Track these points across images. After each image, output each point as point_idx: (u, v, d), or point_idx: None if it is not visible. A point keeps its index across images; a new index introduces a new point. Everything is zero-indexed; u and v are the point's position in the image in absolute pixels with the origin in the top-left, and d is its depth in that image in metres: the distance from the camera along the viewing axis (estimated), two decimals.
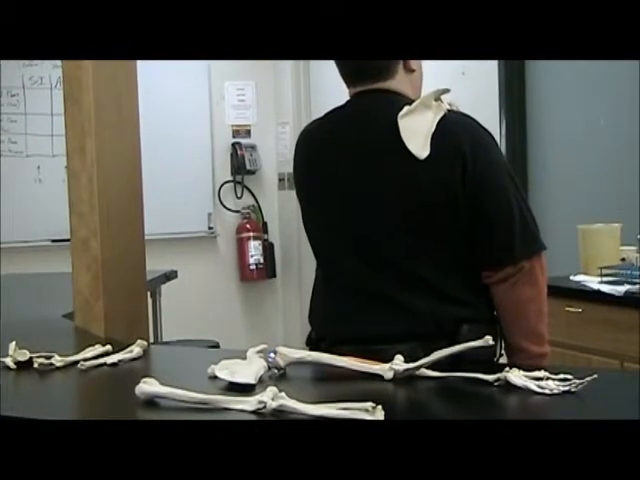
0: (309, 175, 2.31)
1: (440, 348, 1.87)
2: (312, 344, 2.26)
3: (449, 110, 2.13)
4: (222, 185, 6.99)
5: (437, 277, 2.12)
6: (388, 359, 1.86)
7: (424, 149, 2.07)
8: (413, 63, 2.22)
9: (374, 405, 1.49)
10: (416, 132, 2.08)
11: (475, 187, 2.07)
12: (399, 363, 1.84)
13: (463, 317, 2.10)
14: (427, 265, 2.12)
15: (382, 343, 2.07)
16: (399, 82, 2.20)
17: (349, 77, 2.25)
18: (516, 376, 1.73)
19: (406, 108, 2.10)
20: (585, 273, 3.82)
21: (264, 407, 1.56)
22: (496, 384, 1.75)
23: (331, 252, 2.26)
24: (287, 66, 6.90)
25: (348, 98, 2.29)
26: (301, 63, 6.87)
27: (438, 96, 2.13)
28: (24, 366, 2.05)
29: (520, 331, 2.15)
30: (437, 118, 2.09)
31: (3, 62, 6.18)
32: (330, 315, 2.26)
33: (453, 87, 2.26)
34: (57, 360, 2.06)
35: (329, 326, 2.25)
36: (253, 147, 7.06)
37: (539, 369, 1.76)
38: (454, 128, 2.11)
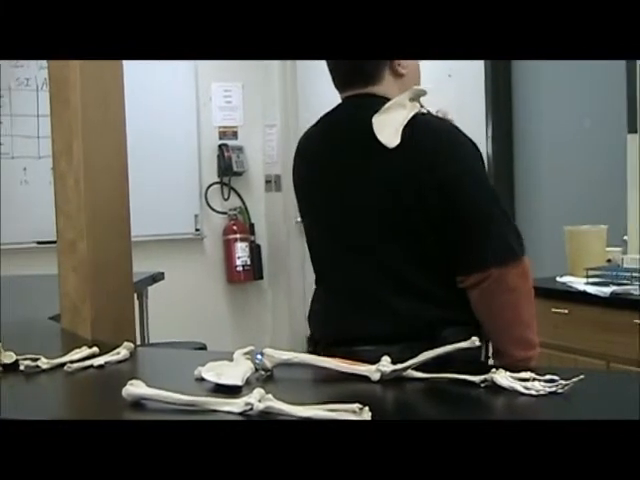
0: (302, 177, 2.36)
1: (424, 350, 1.87)
2: (312, 345, 2.29)
3: (424, 113, 2.15)
4: (209, 187, 6.98)
5: (419, 278, 2.12)
6: (373, 361, 1.86)
7: (394, 138, 2.07)
8: (401, 67, 2.22)
9: (361, 406, 1.49)
10: (387, 125, 2.10)
11: (445, 189, 2.07)
12: (386, 364, 1.84)
13: (446, 319, 2.11)
14: (408, 266, 2.13)
15: (366, 344, 2.09)
16: (387, 87, 2.21)
17: (339, 82, 2.27)
18: (502, 377, 1.73)
19: (382, 108, 2.12)
20: (571, 274, 3.84)
21: (251, 409, 1.56)
22: (483, 385, 1.75)
23: (320, 252, 2.32)
24: (274, 68, 6.89)
25: (336, 100, 2.33)
26: (288, 65, 6.86)
27: (415, 97, 2.15)
28: (10, 368, 2.04)
29: (501, 337, 2.14)
30: (410, 114, 2.11)
31: None
32: (318, 315, 2.30)
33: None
34: (43, 362, 2.06)
35: (317, 326, 2.29)
36: (240, 149, 7.05)
37: (525, 370, 1.76)
38: (429, 125, 2.12)
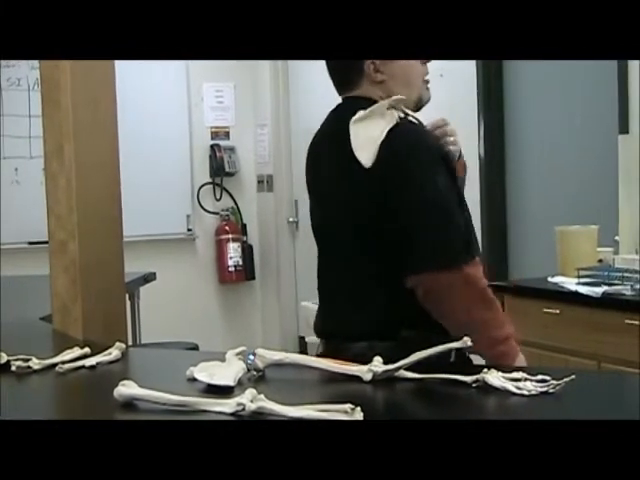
0: (307, 175, 2.43)
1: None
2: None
3: (401, 119, 2.16)
4: (201, 187, 6.97)
5: (383, 279, 2.18)
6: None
7: (370, 158, 2.11)
8: (379, 74, 2.24)
9: (353, 406, 1.49)
10: (367, 140, 2.13)
11: (393, 198, 2.12)
12: (378, 365, 1.84)
13: (407, 320, 2.15)
14: (373, 265, 2.19)
15: (342, 340, 2.17)
16: (369, 92, 2.25)
17: (333, 83, 2.35)
18: (494, 377, 1.74)
19: (359, 113, 2.15)
20: (563, 274, 3.84)
21: (243, 409, 1.56)
22: (474, 385, 1.76)
23: (317, 248, 2.39)
24: (266, 68, 6.89)
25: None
26: (280, 65, 6.86)
27: (397, 104, 2.17)
28: (1, 369, 2.04)
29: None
30: (388, 127, 2.13)
31: None
32: (317, 310, 2.39)
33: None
34: (35, 363, 2.05)
35: (316, 320, 2.37)
36: (232, 149, 7.05)
37: (517, 370, 1.76)
38: (398, 140, 2.13)
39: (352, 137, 2.14)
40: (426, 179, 2.12)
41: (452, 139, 2.27)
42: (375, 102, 2.18)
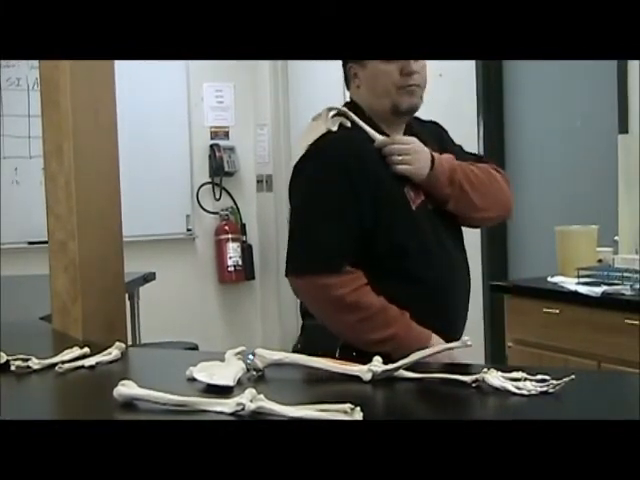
0: None
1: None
2: None
3: (339, 128, 2.23)
4: (200, 187, 6.97)
5: None
6: None
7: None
8: (357, 79, 2.30)
9: (352, 406, 1.49)
10: (301, 146, 2.27)
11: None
12: (377, 364, 1.84)
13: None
14: None
15: None
16: (354, 94, 2.34)
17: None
18: (494, 377, 1.74)
19: (310, 119, 2.27)
20: (562, 274, 3.84)
21: (242, 409, 1.56)
22: (474, 385, 1.76)
23: None
24: (265, 68, 6.89)
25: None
26: (279, 65, 6.86)
27: (346, 112, 2.24)
28: (1, 369, 2.04)
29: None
30: (319, 134, 2.22)
31: None
32: None
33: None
34: (34, 363, 2.05)
35: None
36: (231, 149, 7.04)
37: (517, 370, 1.76)
38: (308, 149, 2.23)
39: (300, 139, 2.28)
40: (300, 191, 2.25)
41: (399, 158, 2.22)
42: (358, 106, 2.29)
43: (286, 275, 2.22)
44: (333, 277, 2.15)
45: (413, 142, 2.25)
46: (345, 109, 2.27)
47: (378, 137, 2.24)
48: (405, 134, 2.33)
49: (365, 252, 2.19)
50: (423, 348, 2.05)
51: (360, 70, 2.29)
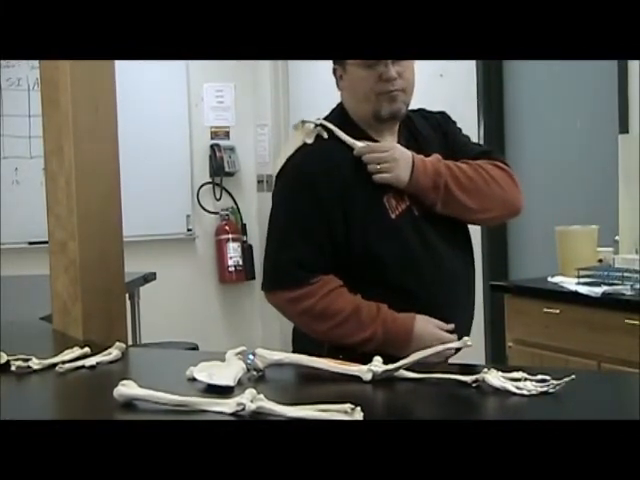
0: None
1: None
2: None
3: (316, 139, 2.24)
4: (201, 187, 6.97)
5: None
6: None
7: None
8: (341, 81, 2.30)
9: (353, 406, 1.49)
10: (284, 151, 2.33)
11: None
12: (378, 365, 1.84)
13: None
14: None
15: None
16: (342, 97, 2.35)
17: None
18: (494, 377, 1.74)
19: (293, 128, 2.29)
20: (563, 274, 3.84)
21: (243, 409, 1.56)
22: (474, 385, 1.76)
23: None
24: (266, 68, 6.89)
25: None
26: (280, 65, 6.86)
27: (325, 123, 2.24)
28: (1, 369, 2.04)
29: None
30: (297, 145, 2.25)
31: None
32: None
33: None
34: (35, 363, 2.05)
35: None
36: (232, 149, 7.04)
37: (517, 370, 1.76)
38: (285, 163, 2.28)
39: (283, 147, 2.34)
40: (272, 207, 2.33)
41: (378, 167, 2.19)
42: (345, 110, 2.30)
43: (262, 290, 2.31)
44: (299, 289, 2.18)
45: (392, 148, 2.21)
46: (321, 120, 2.25)
47: (357, 144, 2.21)
48: (401, 133, 2.32)
49: (344, 264, 2.20)
50: (411, 334, 2.11)
51: (343, 74, 2.28)
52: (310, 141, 2.21)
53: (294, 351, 2.23)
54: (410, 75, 2.25)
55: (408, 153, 2.22)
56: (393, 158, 2.19)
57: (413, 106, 2.36)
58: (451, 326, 2.19)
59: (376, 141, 2.25)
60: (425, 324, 2.17)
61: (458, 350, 2.09)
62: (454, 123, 2.45)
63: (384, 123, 2.27)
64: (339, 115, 2.30)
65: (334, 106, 2.37)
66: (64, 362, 2.06)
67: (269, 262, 2.29)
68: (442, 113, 2.45)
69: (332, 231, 2.18)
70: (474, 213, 2.28)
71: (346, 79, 2.28)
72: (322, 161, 2.21)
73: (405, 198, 2.23)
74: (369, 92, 2.23)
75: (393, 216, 2.21)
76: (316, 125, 2.23)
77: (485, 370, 1.76)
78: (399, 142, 2.28)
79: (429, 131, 2.36)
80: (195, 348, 5.70)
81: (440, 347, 1.90)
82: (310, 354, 1.94)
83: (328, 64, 2.31)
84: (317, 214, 2.19)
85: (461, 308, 2.31)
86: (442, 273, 2.24)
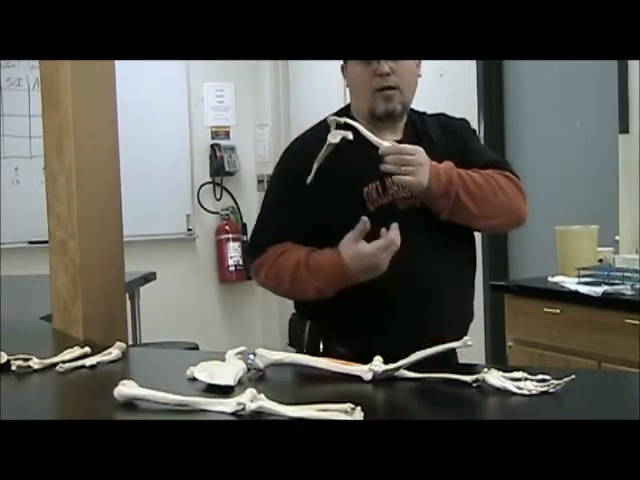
0: None
1: None
2: None
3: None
4: (201, 186, 6.97)
5: None
6: None
7: None
8: (345, 80, 2.35)
9: (353, 406, 1.49)
10: None
11: None
12: (378, 364, 1.84)
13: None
14: None
15: None
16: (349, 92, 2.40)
17: None
18: (494, 377, 1.74)
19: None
20: (563, 274, 3.83)
21: (243, 409, 1.56)
22: (475, 385, 1.76)
23: None
24: (266, 68, 6.89)
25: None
26: (280, 65, 6.86)
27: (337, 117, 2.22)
28: (2, 368, 2.04)
29: None
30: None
31: None
32: None
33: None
34: (35, 362, 2.05)
35: None
36: (232, 149, 7.05)
37: (517, 370, 1.77)
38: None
39: None
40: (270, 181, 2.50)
41: (403, 169, 2.15)
42: (349, 107, 2.36)
43: None
44: (258, 259, 2.32)
45: (417, 152, 2.18)
46: (345, 119, 2.19)
47: (384, 144, 2.17)
48: (406, 133, 2.32)
49: (326, 246, 2.22)
50: (344, 266, 2.13)
51: (346, 71, 2.32)
52: (334, 141, 2.16)
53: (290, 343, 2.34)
54: (406, 73, 2.25)
55: (427, 159, 2.20)
56: (419, 162, 2.16)
57: (414, 106, 2.36)
58: (385, 231, 2.16)
59: None
60: (348, 248, 2.15)
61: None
62: (473, 132, 2.46)
63: (382, 121, 2.28)
64: (342, 112, 2.31)
65: (343, 105, 2.41)
66: (64, 362, 2.07)
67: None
68: (463, 120, 2.46)
69: (312, 210, 2.23)
70: (479, 220, 2.28)
71: (347, 76, 2.33)
72: (309, 147, 2.23)
73: (388, 193, 2.24)
74: (365, 89, 2.25)
75: (371, 208, 2.22)
76: (338, 123, 2.19)
77: (485, 370, 1.76)
78: (401, 141, 2.28)
79: (440, 136, 2.35)
80: (195, 348, 5.69)
81: (440, 347, 1.90)
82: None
83: (328, 64, 2.33)
84: (295, 196, 2.26)
85: (439, 306, 2.26)
86: (415, 270, 2.21)
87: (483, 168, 2.30)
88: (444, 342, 1.92)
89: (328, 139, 2.14)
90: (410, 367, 1.85)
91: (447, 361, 2.11)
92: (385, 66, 2.20)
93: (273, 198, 2.39)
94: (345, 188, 2.23)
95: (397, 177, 2.16)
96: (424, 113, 2.42)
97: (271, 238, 2.29)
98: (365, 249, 2.11)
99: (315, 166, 2.15)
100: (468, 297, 2.39)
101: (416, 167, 2.16)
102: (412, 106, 2.34)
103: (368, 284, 2.16)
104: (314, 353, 2.17)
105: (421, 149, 2.19)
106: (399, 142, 2.26)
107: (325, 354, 2.18)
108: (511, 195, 2.29)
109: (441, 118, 2.41)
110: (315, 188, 2.19)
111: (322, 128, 2.23)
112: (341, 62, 2.33)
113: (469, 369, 1.91)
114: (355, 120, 2.24)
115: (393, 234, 2.10)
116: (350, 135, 2.14)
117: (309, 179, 2.15)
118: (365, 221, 2.12)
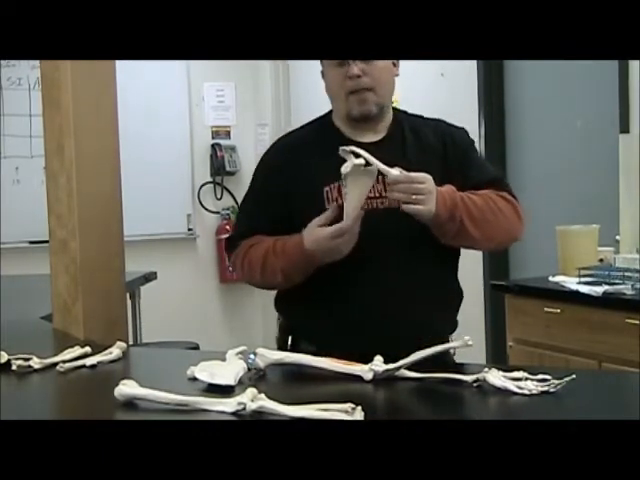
0: None
1: None
2: None
3: None
4: (202, 186, 6.97)
5: None
6: None
7: None
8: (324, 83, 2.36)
9: (353, 406, 1.49)
10: None
11: None
12: (379, 364, 1.84)
13: None
14: None
15: None
16: None
17: None
18: (495, 377, 1.74)
19: None
20: (563, 274, 3.83)
21: (243, 408, 1.56)
22: (475, 385, 1.76)
23: None
24: (266, 67, 6.89)
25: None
26: (280, 64, 6.86)
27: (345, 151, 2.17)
28: (2, 368, 2.04)
29: None
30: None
31: None
32: None
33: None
34: (35, 362, 2.06)
35: None
36: (233, 148, 7.04)
37: (518, 370, 1.77)
38: None
39: None
40: None
41: (413, 197, 2.11)
42: (330, 111, 2.38)
43: None
44: (233, 254, 2.38)
45: (427, 180, 2.14)
46: (351, 147, 2.13)
47: (392, 172, 2.12)
48: (389, 135, 2.31)
49: None
50: (306, 252, 2.17)
51: (324, 74, 2.33)
52: (346, 171, 2.10)
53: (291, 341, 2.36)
54: (380, 74, 2.23)
55: (435, 186, 2.16)
56: (429, 191, 2.13)
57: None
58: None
59: (355, 142, 2.22)
60: (309, 231, 2.18)
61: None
62: (471, 143, 2.42)
63: (359, 123, 2.28)
64: (323, 117, 2.38)
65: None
66: (65, 361, 2.07)
67: None
68: (462, 129, 2.42)
69: (274, 209, 2.31)
70: (477, 242, 2.27)
71: (325, 80, 2.33)
72: (289, 146, 2.37)
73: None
74: (340, 91, 2.26)
75: (329, 207, 2.21)
76: (350, 152, 2.15)
77: (486, 370, 1.76)
78: (383, 140, 2.29)
79: (430, 140, 2.31)
80: (196, 348, 5.69)
81: (440, 347, 1.90)
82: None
83: None
84: (267, 192, 2.36)
85: (401, 303, 2.22)
86: (378, 268, 2.22)
87: (481, 187, 2.28)
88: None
89: (342, 170, 2.11)
90: (411, 367, 1.85)
91: (444, 361, 2.11)
92: (355, 68, 2.19)
93: (248, 194, 2.47)
94: (308, 187, 2.27)
95: (407, 206, 2.13)
96: (420, 116, 2.39)
97: (243, 233, 2.37)
98: (322, 233, 2.14)
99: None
100: (438, 292, 2.31)
101: (427, 196, 2.13)
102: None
103: (330, 281, 2.21)
104: (282, 348, 2.30)
105: (429, 177, 2.15)
106: (381, 141, 2.28)
107: (292, 350, 2.23)
108: (509, 217, 2.29)
109: (442, 125, 2.38)
110: (283, 186, 2.30)
111: (308, 128, 2.36)
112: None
113: (469, 369, 1.91)
114: (329, 124, 2.33)
115: (329, 213, 2.16)
116: (361, 160, 2.09)
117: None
118: (334, 208, 2.17)
